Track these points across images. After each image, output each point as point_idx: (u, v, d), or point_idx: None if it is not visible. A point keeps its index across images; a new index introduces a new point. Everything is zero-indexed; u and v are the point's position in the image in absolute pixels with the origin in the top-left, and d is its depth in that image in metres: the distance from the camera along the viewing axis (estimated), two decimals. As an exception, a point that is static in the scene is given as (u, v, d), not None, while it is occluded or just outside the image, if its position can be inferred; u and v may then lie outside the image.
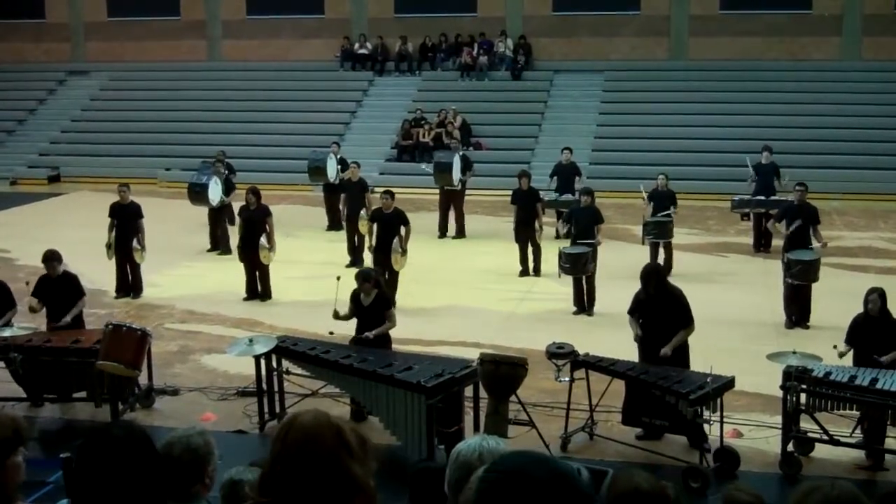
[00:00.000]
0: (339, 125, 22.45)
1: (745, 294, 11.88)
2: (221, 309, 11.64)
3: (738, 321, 10.63)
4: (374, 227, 11.70)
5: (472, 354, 8.14)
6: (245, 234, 11.93)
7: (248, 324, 10.94)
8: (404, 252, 11.50)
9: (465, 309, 11.59)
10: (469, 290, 12.31)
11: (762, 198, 14.20)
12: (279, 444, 1.91)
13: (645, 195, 13.27)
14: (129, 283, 12.14)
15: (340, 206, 13.98)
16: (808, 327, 10.54)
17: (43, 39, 26.04)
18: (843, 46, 22.49)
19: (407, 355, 8.27)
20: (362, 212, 13.26)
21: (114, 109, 23.85)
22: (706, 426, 7.21)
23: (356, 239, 13.54)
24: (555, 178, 15.04)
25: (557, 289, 11.86)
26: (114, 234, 11.94)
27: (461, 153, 16.37)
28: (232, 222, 14.16)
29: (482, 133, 21.29)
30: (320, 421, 1.92)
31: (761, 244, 14.19)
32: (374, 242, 11.70)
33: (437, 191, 15.89)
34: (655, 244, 12.68)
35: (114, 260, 12.05)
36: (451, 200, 15.60)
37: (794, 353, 7.40)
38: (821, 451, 7.41)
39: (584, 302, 11.36)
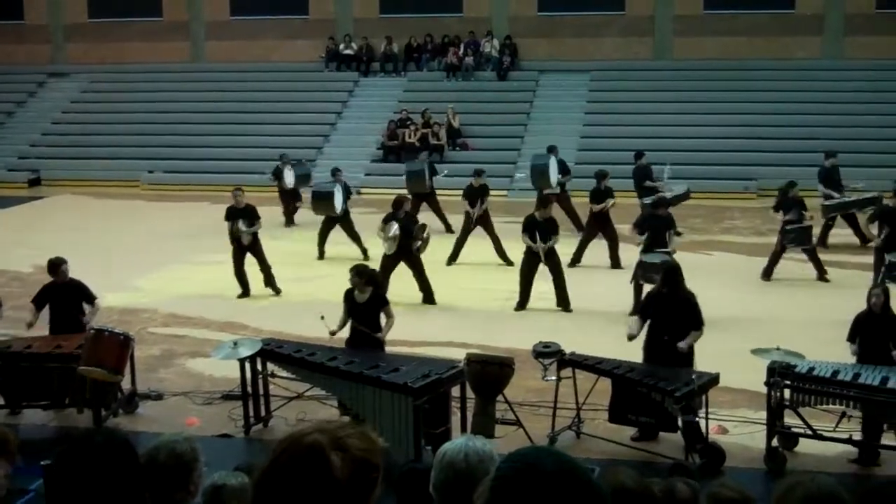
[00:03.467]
0: (325, 126, 22.39)
1: (727, 291, 11.92)
2: (205, 312, 11.57)
3: (723, 319, 10.65)
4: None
5: (459, 355, 8.13)
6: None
7: (233, 327, 10.89)
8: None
9: (452, 309, 11.59)
10: (456, 291, 12.28)
11: (846, 198, 14.46)
12: (263, 467, 1.85)
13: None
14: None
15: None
16: None
17: (22, 41, 25.78)
18: (825, 46, 22.62)
19: (393, 356, 8.23)
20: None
21: (95, 112, 23.69)
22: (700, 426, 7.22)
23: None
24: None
25: (543, 288, 11.85)
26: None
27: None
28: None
29: (468, 133, 21.30)
30: (309, 453, 1.80)
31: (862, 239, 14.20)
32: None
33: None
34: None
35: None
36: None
37: (778, 348, 7.43)
38: (805, 445, 7.45)
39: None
